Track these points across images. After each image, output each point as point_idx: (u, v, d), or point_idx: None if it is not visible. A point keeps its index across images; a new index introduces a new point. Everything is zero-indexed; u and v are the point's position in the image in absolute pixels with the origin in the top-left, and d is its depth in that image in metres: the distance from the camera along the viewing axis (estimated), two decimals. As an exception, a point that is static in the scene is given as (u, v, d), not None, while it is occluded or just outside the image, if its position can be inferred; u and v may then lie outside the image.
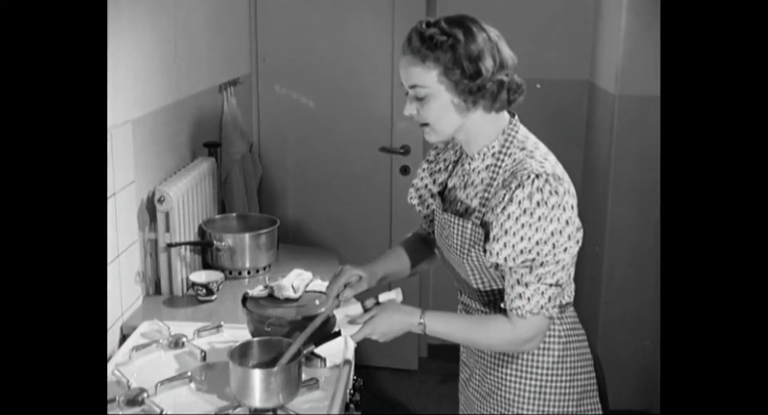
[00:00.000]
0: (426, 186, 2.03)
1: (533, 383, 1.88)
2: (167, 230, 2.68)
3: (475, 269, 1.85)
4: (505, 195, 1.71)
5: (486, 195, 1.80)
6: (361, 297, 1.97)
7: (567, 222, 1.69)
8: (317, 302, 2.21)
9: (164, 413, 1.88)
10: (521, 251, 1.69)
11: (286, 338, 2.02)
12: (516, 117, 1.84)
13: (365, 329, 1.85)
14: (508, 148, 1.79)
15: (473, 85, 1.69)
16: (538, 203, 1.67)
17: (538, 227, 1.67)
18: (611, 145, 3.45)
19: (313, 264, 2.80)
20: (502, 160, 1.79)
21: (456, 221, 1.84)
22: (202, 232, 2.92)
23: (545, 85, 3.81)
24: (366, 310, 1.88)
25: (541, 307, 1.72)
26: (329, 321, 2.13)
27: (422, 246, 2.16)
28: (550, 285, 1.72)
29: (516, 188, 1.69)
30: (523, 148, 1.78)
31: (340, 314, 1.91)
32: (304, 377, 1.97)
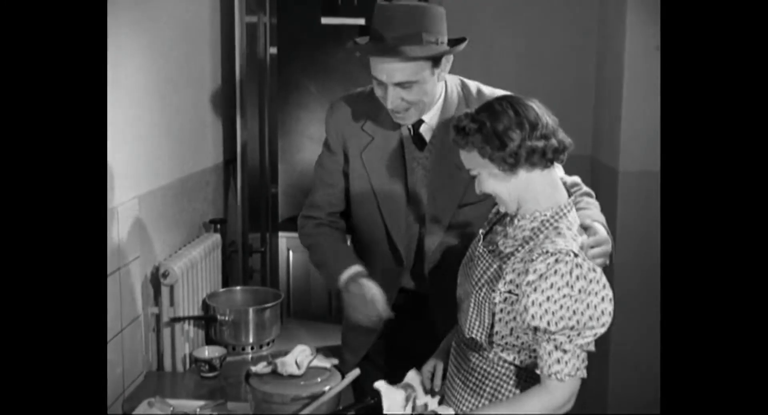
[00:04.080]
0: None
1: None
2: (171, 304, 2.68)
3: (478, 306, 1.92)
4: (540, 265, 1.81)
5: (517, 251, 1.89)
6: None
7: (603, 298, 1.80)
8: (320, 378, 2.19)
9: None
10: (561, 318, 1.78)
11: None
12: (572, 197, 2.00)
13: None
14: (552, 223, 1.89)
15: (504, 154, 1.84)
16: (577, 277, 1.78)
17: (577, 299, 1.78)
18: (614, 222, 3.46)
19: (317, 339, 2.79)
20: (546, 229, 1.88)
21: (487, 257, 1.94)
22: (206, 306, 2.91)
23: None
24: None
25: (577, 369, 1.81)
26: (333, 399, 2.13)
27: None
28: (583, 349, 1.82)
29: (555, 263, 1.80)
30: (556, 227, 1.88)
31: None
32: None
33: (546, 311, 1.78)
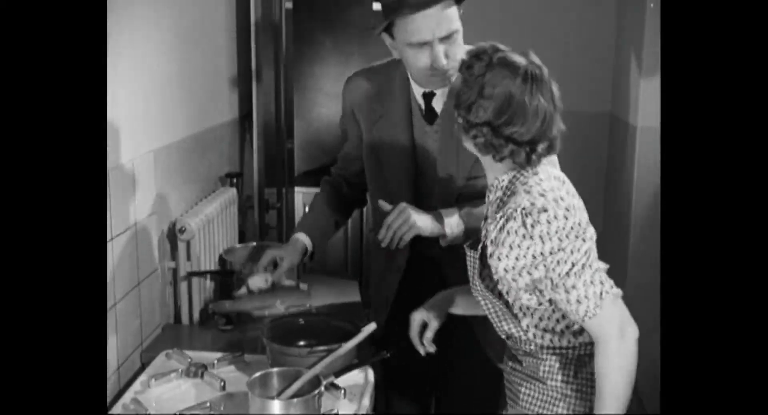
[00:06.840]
0: None
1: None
2: (188, 258, 2.69)
3: (484, 299, 1.83)
4: (498, 226, 1.72)
5: (488, 228, 1.78)
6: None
7: (560, 239, 1.66)
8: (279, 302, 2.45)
9: (183, 443, 1.87)
10: (523, 267, 1.68)
11: (306, 369, 2.02)
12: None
13: None
14: (514, 184, 1.76)
15: (466, 124, 1.76)
16: (532, 224, 1.66)
17: (541, 235, 1.66)
18: (632, 177, 3.44)
19: (334, 294, 2.80)
20: (508, 197, 1.75)
21: (469, 253, 1.84)
22: (222, 261, 2.92)
23: (564, 117, 3.81)
24: None
25: (601, 294, 1.69)
26: (350, 352, 2.15)
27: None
28: (593, 272, 1.69)
29: (506, 222, 1.69)
30: (525, 184, 1.74)
31: None
32: (323, 408, 1.96)
33: (516, 258, 1.67)
